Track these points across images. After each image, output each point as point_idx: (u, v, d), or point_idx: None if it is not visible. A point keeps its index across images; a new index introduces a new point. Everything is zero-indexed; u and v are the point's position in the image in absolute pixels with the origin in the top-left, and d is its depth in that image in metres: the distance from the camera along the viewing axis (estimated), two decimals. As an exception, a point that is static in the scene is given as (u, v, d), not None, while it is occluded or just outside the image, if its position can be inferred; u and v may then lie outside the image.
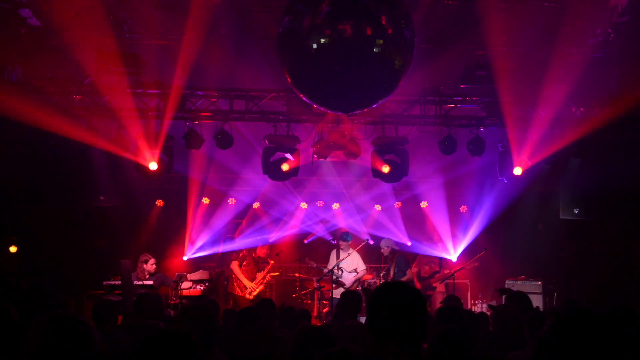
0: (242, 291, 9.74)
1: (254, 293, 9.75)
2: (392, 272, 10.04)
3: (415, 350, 2.42)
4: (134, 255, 9.43)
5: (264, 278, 9.98)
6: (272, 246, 10.82)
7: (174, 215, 12.05)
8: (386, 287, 2.55)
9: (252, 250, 10.09)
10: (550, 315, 4.95)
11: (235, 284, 9.77)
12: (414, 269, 10.38)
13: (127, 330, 5.28)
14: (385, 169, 9.41)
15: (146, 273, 9.08)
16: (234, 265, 9.71)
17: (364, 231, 12.21)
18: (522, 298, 5.11)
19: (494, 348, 4.62)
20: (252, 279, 9.81)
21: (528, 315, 4.50)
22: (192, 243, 11.98)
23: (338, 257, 10.04)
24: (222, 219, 12.35)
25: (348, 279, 9.96)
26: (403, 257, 10.26)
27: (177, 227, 11.91)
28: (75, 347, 2.33)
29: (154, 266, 9.19)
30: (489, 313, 5.81)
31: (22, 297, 9.48)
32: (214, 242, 12.04)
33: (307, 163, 9.88)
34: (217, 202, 12.33)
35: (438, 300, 9.82)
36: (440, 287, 10.24)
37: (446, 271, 10.25)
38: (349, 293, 6.06)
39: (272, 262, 10.25)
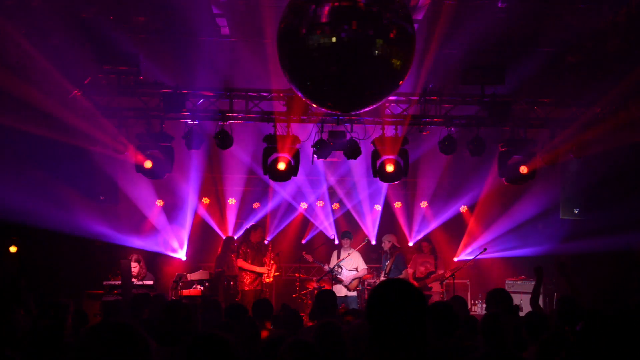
0: (251, 284, 9.69)
1: (271, 275, 9.74)
2: (388, 269, 10.03)
3: (418, 351, 2.27)
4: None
5: (271, 259, 9.94)
6: (261, 227, 10.62)
7: (174, 214, 12.04)
8: (383, 286, 2.39)
9: (245, 240, 10.02)
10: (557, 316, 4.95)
11: (244, 280, 9.73)
12: (410, 270, 10.35)
13: None
14: (390, 167, 9.40)
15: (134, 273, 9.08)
16: (241, 262, 9.71)
17: (364, 230, 12.21)
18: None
19: None
20: (262, 265, 9.78)
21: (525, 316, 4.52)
22: (189, 242, 11.98)
23: (339, 256, 10.07)
24: (220, 218, 12.36)
25: (347, 276, 9.98)
26: (402, 256, 10.21)
27: (177, 226, 11.89)
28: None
29: (137, 269, 9.14)
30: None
31: (22, 297, 9.47)
32: (211, 241, 12.03)
33: (307, 163, 9.86)
34: (217, 201, 12.34)
35: (435, 301, 9.80)
36: (436, 288, 10.20)
37: (441, 271, 10.22)
38: (322, 293, 6.00)
39: (270, 245, 10.21)
